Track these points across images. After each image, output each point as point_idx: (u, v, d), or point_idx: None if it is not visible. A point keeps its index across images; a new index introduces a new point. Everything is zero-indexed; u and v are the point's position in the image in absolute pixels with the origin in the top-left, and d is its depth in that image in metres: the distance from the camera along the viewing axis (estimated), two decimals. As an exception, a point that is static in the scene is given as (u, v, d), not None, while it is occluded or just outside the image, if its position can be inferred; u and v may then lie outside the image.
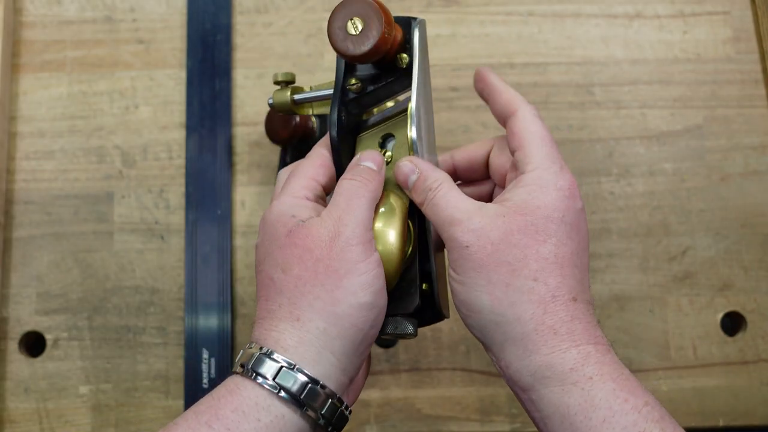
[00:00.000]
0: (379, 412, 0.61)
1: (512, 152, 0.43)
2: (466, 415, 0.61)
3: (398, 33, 0.43)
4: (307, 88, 0.49)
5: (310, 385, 0.37)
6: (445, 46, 0.67)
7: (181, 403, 0.60)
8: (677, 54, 0.67)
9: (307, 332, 0.38)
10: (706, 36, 0.68)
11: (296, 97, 0.48)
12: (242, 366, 0.38)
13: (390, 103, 0.47)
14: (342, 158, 0.44)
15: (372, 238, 0.41)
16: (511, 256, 0.38)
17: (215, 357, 0.60)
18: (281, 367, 0.37)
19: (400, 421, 0.61)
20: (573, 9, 0.68)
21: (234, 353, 0.61)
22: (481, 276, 0.39)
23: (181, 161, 0.64)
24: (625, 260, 0.63)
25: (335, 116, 0.44)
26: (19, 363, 0.61)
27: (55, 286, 0.62)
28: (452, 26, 0.67)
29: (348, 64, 0.45)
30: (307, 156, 0.45)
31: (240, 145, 0.65)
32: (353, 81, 0.45)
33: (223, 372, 0.60)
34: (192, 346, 0.60)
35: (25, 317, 0.62)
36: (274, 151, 0.64)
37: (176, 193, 0.64)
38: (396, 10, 0.67)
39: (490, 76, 0.45)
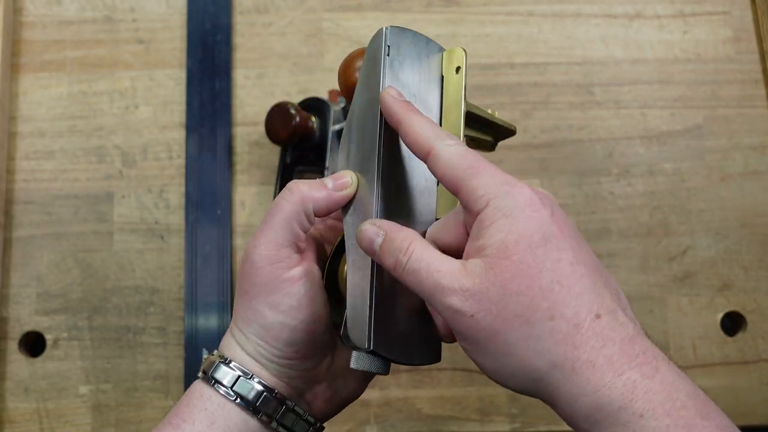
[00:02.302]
0: (379, 412, 0.61)
1: (454, 194, 0.38)
2: (466, 415, 0.61)
3: None
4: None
5: (239, 376, 0.41)
6: (445, 46, 0.67)
7: (181, 403, 0.60)
8: (677, 54, 0.67)
9: (235, 342, 0.43)
10: (706, 36, 0.68)
11: None
12: (202, 371, 0.43)
13: None
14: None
15: (289, 255, 0.42)
16: (518, 307, 0.35)
17: (215, 357, 0.60)
18: (216, 363, 0.42)
19: (400, 421, 0.61)
20: (573, 9, 0.68)
21: (234, 353, 0.61)
22: (498, 341, 0.35)
23: (181, 161, 0.64)
24: (625, 260, 0.63)
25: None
26: (19, 363, 0.61)
27: (55, 286, 0.62)
28: (452, 26, 0.67)
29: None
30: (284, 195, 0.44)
31: (240, 145, 0.65)
32: None
33: (223, 372, 0.60)
34: (192, 346, 0.60)
35: (25, 317, 0.62)
36: (274, 151, 0.64)
37: (176, 193, 0.64)
38: (396, 10, 0.67)
39: (392, 107, 0.41)
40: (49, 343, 0.61)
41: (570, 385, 0.35)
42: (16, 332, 0.61)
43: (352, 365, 0.40)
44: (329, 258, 0.44)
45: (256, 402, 0.42)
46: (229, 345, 0.43)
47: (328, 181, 0.42)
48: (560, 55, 0.67)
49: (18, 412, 0.60)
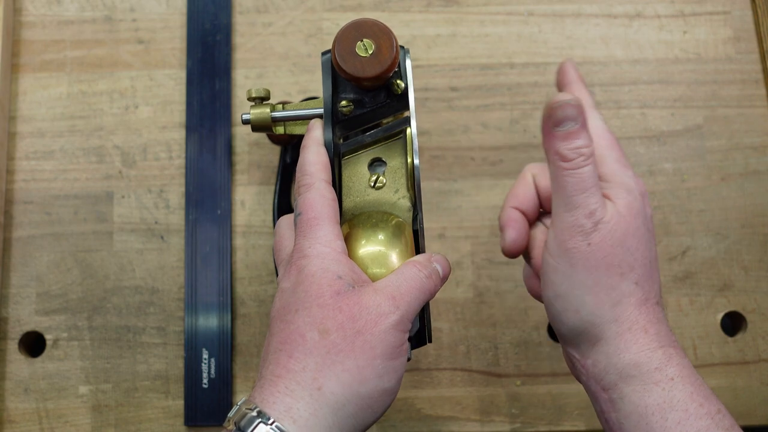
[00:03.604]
0: (379, 412, 0.61)
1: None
2: (466, 415, 0.61)
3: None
4: (278, 107, 0.47)
5: None
6: (445, 46, 0.67)
7: (180, 403, 0.60)
8: (677, 54, 0.67)
9: (325, 405, 0.36)
10: (707, 36, 0.68)
11: (275, 114, 0.46)
12: (239, 429, 0.36)
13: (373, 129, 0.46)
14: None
15: (410, 328, 0.39)
16: (623, 260, 0.39)
17: (215, 357, 0.60)
18: None
19: (400, 421, 0.61)
20: (573, 9, 0.68)
21: (234, 353, 0.61)
22: (591, 277, 0.39)
23: (181, 161, 0.64)
24: (625, 260, 0.63)
25: (330, 137, 0.43)
26: (18, 363, 0.61)
27: (55, 286, 0.62)
28: (452, 26, 0.67)
29: (335, 85, 0.44)
30: (311, 188, 0.42)
31: (240, 145, 0.65)
32: (345, 103, 0.44)
33: (223, 372, 0.60)
34: (192, 346, 0.60)
35: (24, 317, 0.61)
36: (274, 151, 0.64)
37: (176, 193, 0.64)
38: (396, 10, 0.67)
39: (570, 72, 0.47)
40: (48, 343, 0.61)
41: (620, 340, 0.38)
42: (15, 332, 0.61)
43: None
44: None
45: None
46: (304, 413, 0.36)
47: (440, 268, 0.42)
48: (560, 55, 0.67)
49: (18, 412, 0.60)
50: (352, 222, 0.44)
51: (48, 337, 0.61)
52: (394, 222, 0.43)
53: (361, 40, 0.41)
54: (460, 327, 0.62)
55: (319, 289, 0.38)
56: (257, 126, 0.46)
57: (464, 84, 0.66)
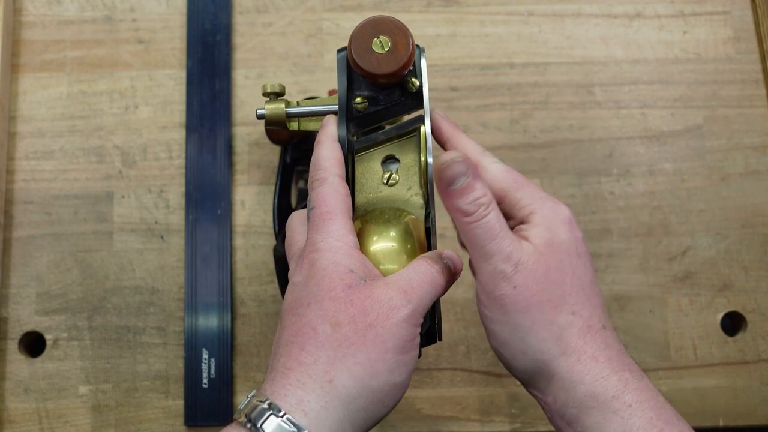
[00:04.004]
0: (379, 412, 0.61)
1: (498, 203, 0.42)
2: (466, 415, 0.61)
3: None
4: (293, 103, 0.47)
5: None
6: (445, 46, 0.67)
7: (180, 403, 0.60)
8: (677, 54, 0.67)
9: (336, 398, 0.36)
10: (707, 36, 0.68)
11: (289, 110, 0.46)
12: (250, 421, 0.36)
13: (386, 126, 0.46)
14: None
15: (421, 322, 0.39)
16: (553, 293, 0.39)
17: (215, 357, 0.60)
18: None
19: (400, 421, 0.61)
20: (573, 9, 0.68)
21: (234, 353, 0.61)
22: (527, 317, 0.39)
23: (181, 161, 0.64)
24: (625, 260, 0.63)
25: (344, 133, 0.43)
26: (18, 363, 0.61)
27: (55, 286, 0.62)
28: (452, 26, 0.67)
29: (350, 82, 0.44)
30: (324, 183, 0.42)
31: (240, 145, 0.65)
32: (360, 100, 0.44)
33: (223, 372, 0.60)
34: (192, 346, 0.60)
35: (24, 317, 0.61)
36: (274, 151, 0.64)
37: (176, 193, 0.64)
38: (396, 10, 0.67)
39: (443, 125, 0.45)
40: (48, 343, 0.61)
41: (572, 373, 0.39)
42: (15, 332, 0.61)
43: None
44: None
45: None
46: (315, 406, 0.36)
47: (451, 264, 0.42)
48: (560, 55, 0.67)
49: (18, 412, 0.60)
50: (364, 218, 0.44)
51: (48, 337, 0.61)
52: (406, 219, 0.43)
53: (378, 37, 0.41)
54: (460, 327, 0.62)
55: (331, 282, 0.38)
56: (271, 121, 0.46)
57: (464, 84, 0.66)
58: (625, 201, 0.64)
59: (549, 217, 0.42)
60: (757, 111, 0.66)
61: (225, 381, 0.60)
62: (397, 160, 0.45)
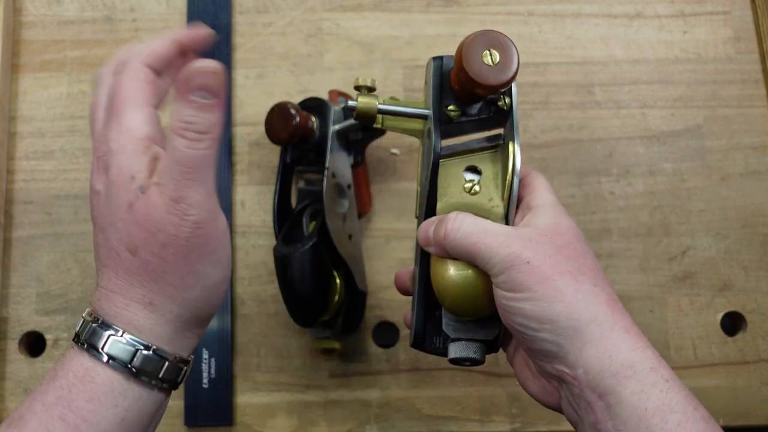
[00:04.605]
0: (379, 412, 0.61)
1: (521, 199, 0.45)
2: (466, 415, 0.61)
3: None
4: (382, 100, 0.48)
5: (167, 363, 0.36)
6: (445, 46, 0.67)
7: (180, 403, 0.60)
8: (677, 54, 0.67)
9: (162, 316, 0.36)
10: (707, 36, 0.68)
11: (381, 106, 0.47)
12: (89, 345, 0.36)
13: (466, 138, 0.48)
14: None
15: (215, 204, 0.37)
16: (569, 265, 0.39)
17: (215, 357, 0.60)
18: (137, 350, 0.35)
19: (400, 421, 0.61)
20: (573, 9, 0.68)
21: (234, 353, 0.61)
22: (549, 286, 0.38)
23: (181, 161, 0.64)
24: (625, 260, 0.63)
25: (439, 139, 0.45)
26: (19, 363, 0.61)
27: (55, 286, 0.62)
28: (452, 26, 0.67)
29: (442, 92, 0.46)
30: (125, 70, 0.39)
31: (240, 145, 0.65)
32: (453, 108, 0.45)
33: (223, 372, 0.60)
34: (192, 346, 0.60)
35: (25, 317, 0.62)
36: (274, 151, 0.64)
37: (176, 193, 0.64)
38: (396, 10, 0.67)
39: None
40: (49, 343, 0.61)
41: (606, 341, 0.37)
42: (16, 332, 0.61)
43: (464, 354, 0.44)
44: None
45: (173, 379, 0.38)
46: (147, 323, 0.36)
47: (211, 116, 0.38)
48: (560, 55, 0.67)
49: (18, 412, 0.60)
50: None
51: (48, 337, 0.61)
52: None
53: (488, 50, 0.43)
54: (460, 327, 0.62)
55: (118, 199, 0.36)
56: (361, 114, 0.48)
57: (464, 84, 0.66)
58: (625, 201, 0.64)
59: (556, 211, 0.43)
60: (757, 111, 0.66)
61: (225, 381, 0.60)
62: (479, 172, 0.46)
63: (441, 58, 0.46)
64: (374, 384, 0.61)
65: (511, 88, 0.46)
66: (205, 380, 0.60)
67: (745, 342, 0.62)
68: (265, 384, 0.61)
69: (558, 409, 0.42)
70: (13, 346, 0.61)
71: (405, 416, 0.61)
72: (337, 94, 0.62)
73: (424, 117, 0.47)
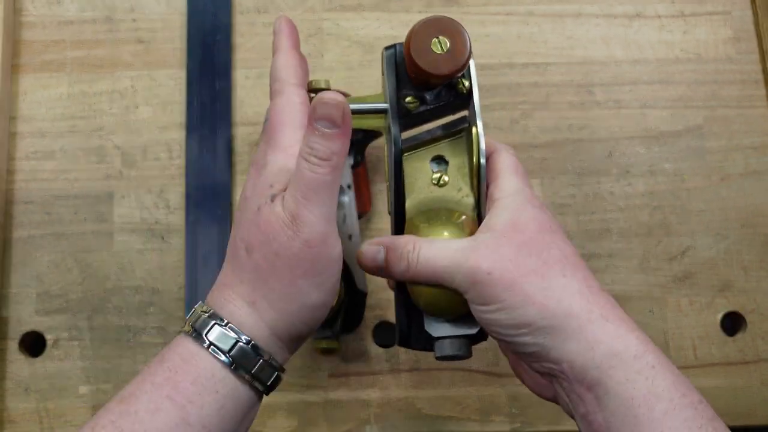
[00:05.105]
0: (379, 412, 0.61)
1: (488, 186, 0.43)
2: (466, 415, 0.61)
3: None
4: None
5: (261, 361, 0.39)
6: (445, 46, 0.67)
7: (181, 403, 0.60)
8: (677, 54, 0.67)
9: (260, 319, 0.39)
10: (707, 36, 0.68)
11: None
12: (195, 330, 0.38)
13: (427, 126, 0.46)
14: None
15: (331, 229, 0.39)
16: (533, 263, 0.39)
17: (215, 357, 0.60)
18: (236, 341, 0.38)
19: (400, 421, 0.61)
20: (573, 9, 0.68)
21: (234, 353, 0.61)
22: (516, 292, 0.38)
23: (181, 161, 0.64)
24: (625, 260, 0.63)
25: (398, 132, 0.43)
26: (19, 363, 0.61)
27: (55, 286, 0.62)
28: (452, 26, 0.67)
29: (399, 82, 0.44)
30: (280, 94, 0.42)
31: (240, 145, 0.65)
32: (411, 99, 0.44)
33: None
34: (192, 346, 0.60)
35: (25, 317, 0.62)
36: (274, 151, 0.64)
37: (176, 193, 0.64)
38: (395, 10, 0.67)
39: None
40: (49, 343, 0.61)
41: (585, 333, 0.37)
42: (16, 332, 0.61)
43: (448, 352, 0.43)
44: None
45: (265, 380, 0.39)
46: (248, 320, 0.39)
47: (336, 146, 0.39)
48: (560, 55, 0.67)
49: (18, 413, 0.60)
50: (417, 218, 0.44)
51: (48, 337, 0.61)
52: (460, 219, 0.43)
53: (437, 37, 0.41)
54: (460, 327, 0.62)
55: (253, 201, 0.40)
56: None
57: (464, 84, 0.66)
58: (625, 201, 0.64)
59: (518, 202, 0.41)
60: (757, 111, 0.66)
61: (225, 381, 0.60)
62: (446, 162, 0.45)
63: (394, 46, 0.44)
64: (374, 384, 0.61)
65: (469, 69, 0.44)
66: (205, 380, 0.59)
67: (745, 342, 0.62)
68: (265, 384, 0.61)
69: (556, 401, 0.42)
70: (13, 346, 0.61)
71: (405, 416, 0.61)
72: (337, 94, 0.62)
73: (382, 111, 0.45)
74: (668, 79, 0.67)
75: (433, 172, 0.45)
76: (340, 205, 0.58)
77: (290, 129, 0.41)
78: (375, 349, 0.62)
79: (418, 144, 0.46)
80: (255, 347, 0.38)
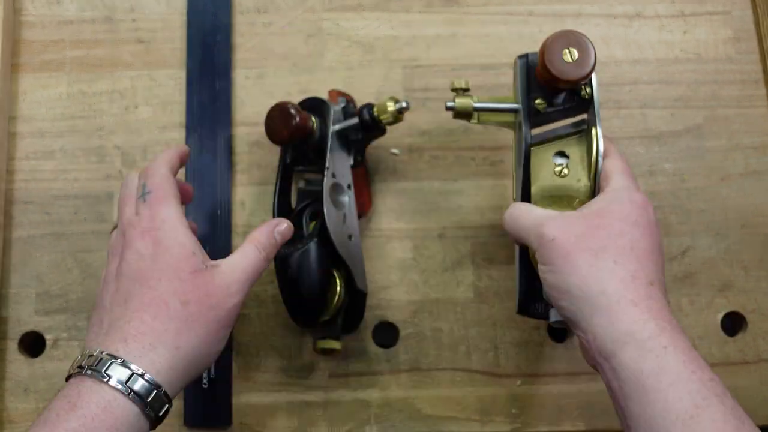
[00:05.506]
0: (379, 412, 0.61)
1: (601, 182, 0.52)
2: (466, 415, 0.61)
3: None
4: (475, 98, 0.55)
5: (167, 406, 0.44)
6: (445, 46, 0.67)
7: (180, 403, 0.60)
8: (677, 54, 0.67)
9: (180, 360, 0.44)
10: (707, 36, 0.68)
11: (476, 105, 0.55)
12: (110, 379, 0.41)
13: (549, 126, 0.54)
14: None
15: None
16: (593, 244, 0.45)
17: (215, 357, 0.60)
18: (153, 388, 0.42)
19: (400, 421, 0.61)
20: (573, 9, 0.68)
21: (234, 353, 0.61)
22: (568, 262, 0.45)
23: (181, 161, 0.64)
24: (625, 260, 0.63)
25: (528, 128, 0.52)
26: (18, 363, 0.61)
27: (55, 286, 0.62)
28: (452, 26, 0.67)
29: (529, 86, 0.52)
30: (156, 175, 0.49)
31: (240, 145, 0.65)
32: (540, 101, 0.52)
33: (223, 372, 0.60)
34: (192, 346, 0.60)
35: (24, 317, 0.61)
36: (274, 151, 0.64)
37: (176, 193, 0.64)
38: (396, 10, 0.67)
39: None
40: (48, 343, 0.61)
41: (610, 311, 0.43)
42: (15, 332, 0.61)
43: (554, 319, 0.50)
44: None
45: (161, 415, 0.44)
46: (146, 358, 0.43)
47: (275, 238, 0.51)
48: (560, 55, 0.67)
49: (17, 413, 0.60)
50: (544, 202, 0.52)
51: (48, 337, 0.61)
52: (577, 204, 0.51)
53: (568, 48, 0.49)
54: (460, 327, 0.62)
55: (179, 263, 0.46)
56: (459, 113, 0.55)
57: (464, 84, 0.66)
58: (625, 201, 0.64)
59: (619, 195, 0.48)
60: (757, 111, 0.66)
61: (225, 381, 0.60)
62: (567, 156, 0.53)
63: (526, 55, 0.53)
64: (374, 384, 0.61)
65: (591, 79, 0.52)
66: (204, 380, 0.59)
67: (745, 342, 0.62)
68: (264, 384, 0.61)
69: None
70: (12, 346, 0.61)
71: (405, 416, 0.61)
72: (337, 94, 0.62)
73: (515, 111, 0.53)
74: (668, 79, 0.67)
75: (555, 164, 0.53)
76: (340, 205, 0.58)
77: (176, 203, 0.49)
78: (375, 349, 0.62)
79: (543, 141, 0.53)
80: (164, 393, 0.43)
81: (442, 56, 0.67)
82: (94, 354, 0.43)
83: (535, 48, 0.67)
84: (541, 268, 0.47)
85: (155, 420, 0.43)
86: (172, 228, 0.47)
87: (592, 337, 0.44)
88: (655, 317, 0.42)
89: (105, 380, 0.41)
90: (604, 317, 0.43)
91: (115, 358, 0.42)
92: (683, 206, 0.64)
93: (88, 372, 0.42)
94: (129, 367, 0.42)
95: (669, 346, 0.41)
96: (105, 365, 0.42)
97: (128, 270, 0.46)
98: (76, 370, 0.43)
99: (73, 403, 0.41)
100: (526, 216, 0.49)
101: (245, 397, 0.60)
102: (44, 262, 0.62)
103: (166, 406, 0.43)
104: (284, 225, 0.52)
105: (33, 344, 0.62)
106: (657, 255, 0.46)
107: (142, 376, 0.42)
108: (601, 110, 0.66)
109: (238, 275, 0.47)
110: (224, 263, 0.48)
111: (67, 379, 0.44)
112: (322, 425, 0.60)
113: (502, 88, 0.66)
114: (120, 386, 0.41)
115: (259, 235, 0.50)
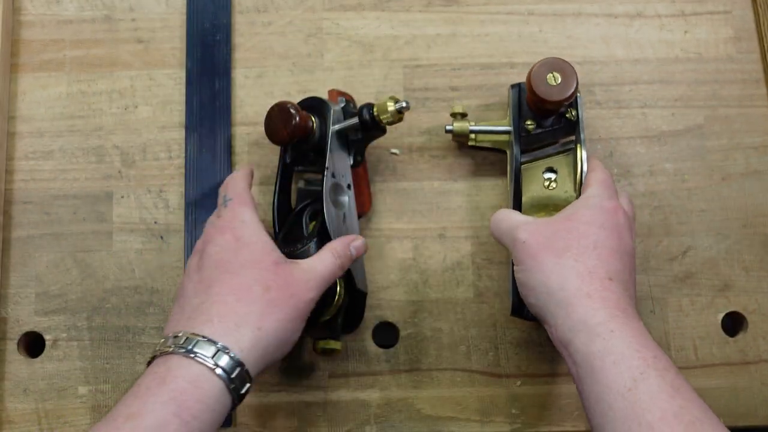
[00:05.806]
0: (379, 413, 0.61)
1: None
2: (466, 415, 0.61)
3: None
4: (471, 122, 0.61)
5: (248, 384, 0.46)
6: (445, 46, 0.67)
7: (180, 403, 0.60)
8: (678, 53, 0.67)
9: (261, 341, 0.46)
10: (707, 35, 0.68)
11: (473, 128, 0.61)
12: (197, 355, 0.44)
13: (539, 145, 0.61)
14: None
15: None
16: (558, 244, 0.50)
17: (215, 357, 0.60)
18: (237, 365, 0.44)
19: (400, 421, 0.60)
20: (573, 8, 0.68)
21: (234, 353, 0.61)
22: (536, 261, 0.50)
23: (180, 161, 0.64)
24: (625, 260, 0.63)
25: (519, 150, 0.58)
26: (18, 363, 0.61)
27: (54, 286, 0.62)
28: (452, 26, 0.67)
29: (521, 111, 0.59)
30: (236, 186, 0.54)
31: (240, 145, 0.65)
32: (530, 122, 0.59)
33: (223, 372, 0.60)
34: (191, 346, 0.60)
35: (24, 317, 0.61)
36: (274, 151, 0.64)
37: (176, 193, 0.64)
38: (396, 10, 0.67)
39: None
40: (48, 343, 0.61)
41: (568, 304, 0.47)
42: (15, 333, 0.61)
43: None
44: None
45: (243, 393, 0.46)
46: (231, 336, 0.45)
47: (353, 251, 0.55)
48: (561, 55, 0.66)
49: (17, 413, 0.60)
50: (535, 210, 0.59)
51: (47, 337, 0.61)
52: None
53: (552, 73, 0.55)
54: (460, 327, 0.62)
55: (261, 255, 0.49)
56: (457, 135, 0.62)
57: (464, 84, 0.66)
58: (626, 201, 0.64)
59: (591, 201, 0.52)
60: (758, 111, 0.66)
61: (225, 381, 0.60)
62: (555, 171, 0.60)
63: (519, 84, 0.60)
64: (374, 384, 0.61)
65: (576, 101, 0.58)
66: (204, 381, 0.59)
67: (745, 342, 0.62)
68: (265, 384, 0.61)
69: None
70: (12, 346, 0.61)
71: (405, 416, 0.61)
72: (336, 94, 0.62)
73: (508, 132, 0.60)
74: (669, 79, 0.67)
75: (545, 179, 0.60)
76: (340, 205, 0.58)
77: (255, 211, 0.54)
78: (375, 350, 0.62)
79: (534, 158, 0.60)
80: (246, 371, 0.45)
81: (442, 56, 0.67)
82: (179, 335, 0.45)
83: (535, 47, 0.67)
84: (515, 268, 0.52)
85: (237, 399, 0.45)
86: (252, 226, 0.51)
87: (554, 328, 0.48)
88: (608, 306, 0.46)
89: (192, 356, 0.43)
90: (562, 309, 0.47)
91: (202, 336, 0.44)
92: (684, 206, 0.64)
93: (177, 350, 0.44)
94: (216, 344, 0.44)
95: (616, 330, 0.45)
96: (191, 343, 0.44)
97: (210, 261, 0.49)
98: (164, 350, 0.45)
99: (162, 377, 0.43)
100: (506, 221, 0.54)
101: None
102: (43, 262, 0.62)
103: (248, 384, 0.45)
104: (359, 241, 0.55)
105: (32, 344, 0.62)
106: (625, 256, 0.50)
107: (227, 352, 0.44)
108: (602, 110, 0.66)
109: (315, 274, 0.51)
110: (303, 262, 0.51)
111: (149, 362, 0.46)
112: (322, 425, 0.60)
113: (502, 88, 0.66)
114: (207, 361, 0.43)
115: (337, 245, 0.53)
